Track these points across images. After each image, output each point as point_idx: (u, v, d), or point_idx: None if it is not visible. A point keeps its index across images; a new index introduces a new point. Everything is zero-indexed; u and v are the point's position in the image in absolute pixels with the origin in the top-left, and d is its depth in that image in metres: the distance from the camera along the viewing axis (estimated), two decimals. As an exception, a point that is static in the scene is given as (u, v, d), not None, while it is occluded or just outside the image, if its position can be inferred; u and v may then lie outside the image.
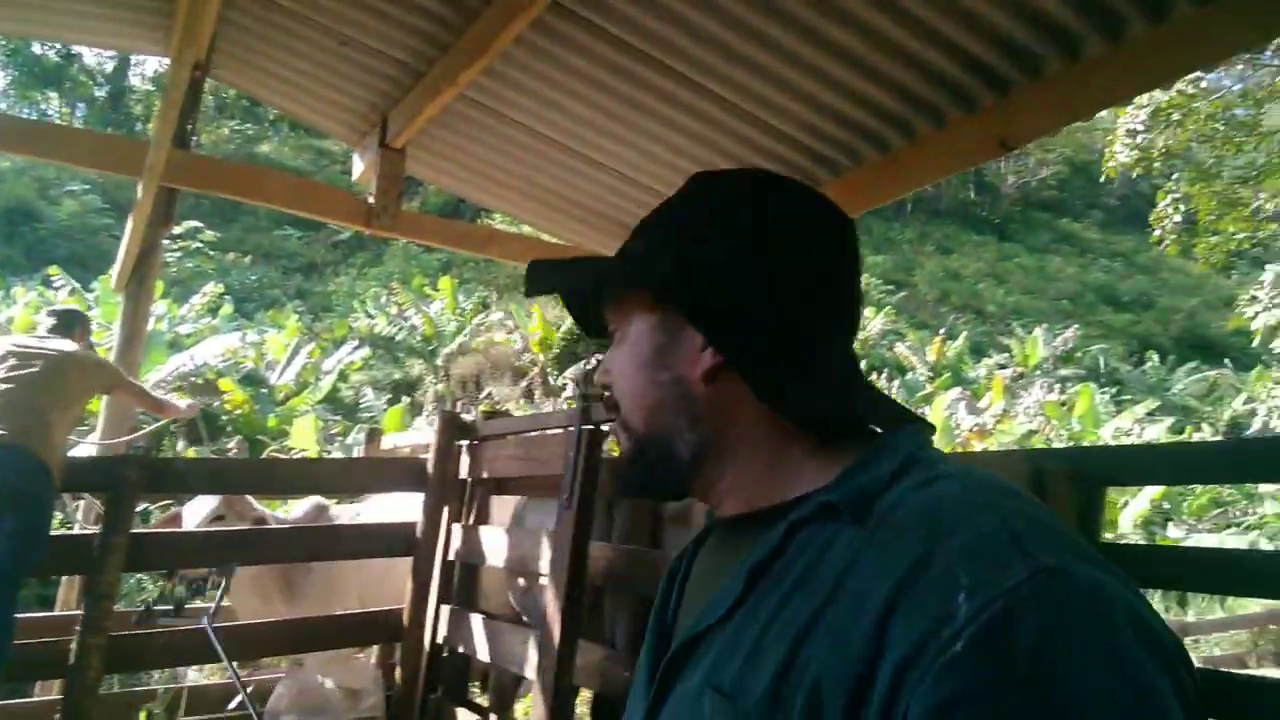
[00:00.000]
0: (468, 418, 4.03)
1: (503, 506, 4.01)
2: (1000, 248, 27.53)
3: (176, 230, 20.04)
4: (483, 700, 4.37)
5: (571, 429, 3.10)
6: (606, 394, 0.84)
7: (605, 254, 5.45)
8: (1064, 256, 27.33)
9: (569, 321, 16.84)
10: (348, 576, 4.10)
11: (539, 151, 4.56)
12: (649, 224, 0.85)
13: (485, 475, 3.78)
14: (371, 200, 4.41)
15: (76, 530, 4.14)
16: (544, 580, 3.16)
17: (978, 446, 11.86)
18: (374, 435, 4.88)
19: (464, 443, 3.90)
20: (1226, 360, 18.92)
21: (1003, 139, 3.20)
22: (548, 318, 15.99)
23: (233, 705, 4.07)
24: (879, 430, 0.77)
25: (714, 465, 0.77)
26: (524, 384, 15.49)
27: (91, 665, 3.31)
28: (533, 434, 3.70)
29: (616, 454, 0.86)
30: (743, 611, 0.69)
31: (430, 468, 3.85)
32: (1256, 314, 11.11)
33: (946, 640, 0.52)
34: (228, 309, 16.33)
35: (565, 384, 14.32)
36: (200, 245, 20.58)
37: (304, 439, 10.07)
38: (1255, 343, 11.52)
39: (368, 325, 16.97)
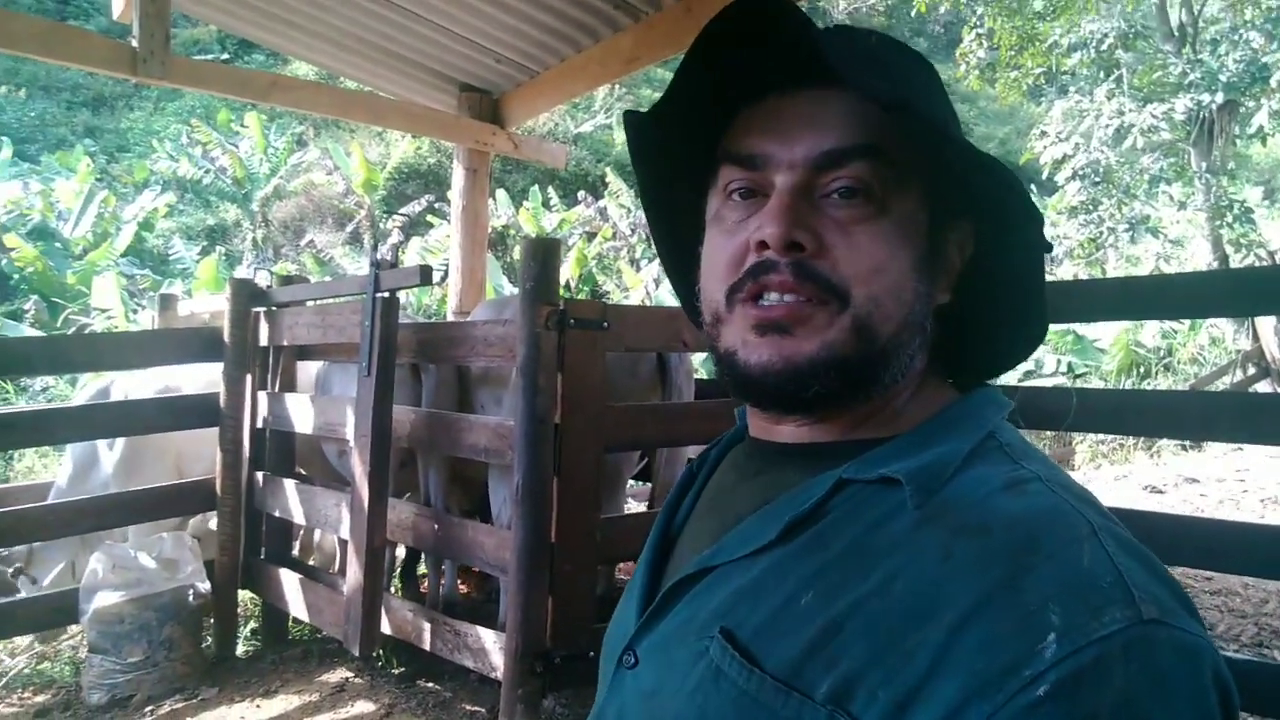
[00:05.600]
0: (262, 283, 3.88)
1: (309, 371, 3.97)
2: (829, 76, 27.84)
3: (-73, 61, 17.52)
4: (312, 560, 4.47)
5: (365, 296, 3.07)
6: (798, 261, 0.63)
7: (417, 99, 5.22)
8: (888, 85, 27.93)
9: (393, 161, 16.05)
10: (158, 448, 3.98)
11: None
12: (924, 83, 0.67)
13: (285, 342, 3.71)
14: (135, 43, 3.99)
15: None
16: (351, 446, 3.20)
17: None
18: (169, 302, 4.61)
19: (260, 309, 3.79)
20: (1033, 186, 20.24)
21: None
22: (369, 157, 15.19)
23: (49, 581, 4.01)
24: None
25: (888, 393, 0.67)
26: (350, 228, 14.86)
27: None
28: (329, 301, 3.62)
29: (774, 345, 0.63)
30: (771, 559, 0.63)
31: (226, 337, 3.73)
32: (1045, 148, 11.90)
33: (1027, 680, 0.49)
34: (6, 152, 14.61)
35: (393, 229, 13.83)
36: (-40, 78, 18.10)
37: (106, 297, 9.38)
38: (1045, 175, 12.38)
39: (170, 167, 15.61)
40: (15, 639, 3.81)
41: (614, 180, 19.17)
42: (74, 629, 3.78)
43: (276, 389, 3.81)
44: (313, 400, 3.53)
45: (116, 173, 16.57)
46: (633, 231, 17.91)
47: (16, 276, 11.39)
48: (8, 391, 8.28)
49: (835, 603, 0.57)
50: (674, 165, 0.76)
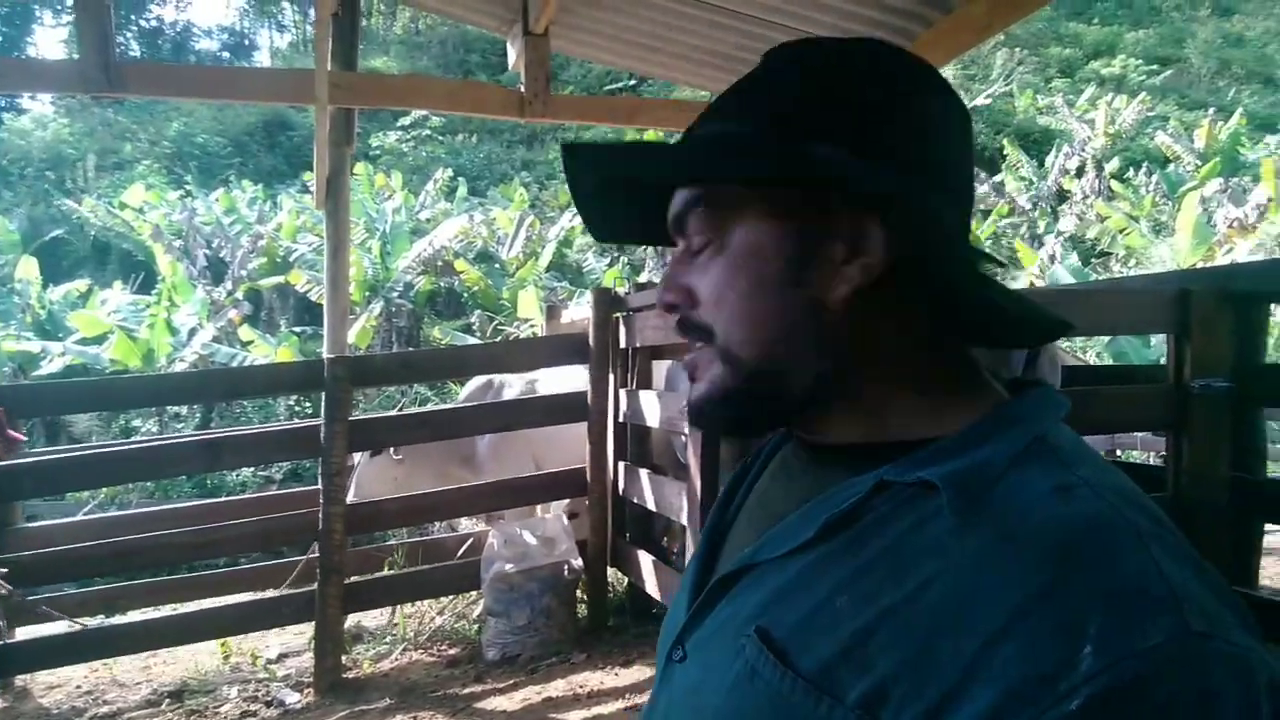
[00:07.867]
0: (622, 291, 4.25)
1: (662, 370, 4.27)
2: (1294, 0, 23.12)
3: (405, 121, 21.50)
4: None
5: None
6: (680, 317, 0.68)
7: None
8: (1378, -1, 22.51)
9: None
10: (519, 443, 4.58)
11: (675, 10, 4.52)
12: (745, 101, 0.67)
13: (639, 344, 4.02)
14: (522, 89, 4.57)
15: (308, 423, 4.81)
16: (688, 440, 3.40)
17: (1239, 244, 10.48)
18: (553, 311, 5.23)
19: (619, 315, 4.14)
20: None
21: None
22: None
23: (460, 553, 4.77)
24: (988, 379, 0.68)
25: (826, 399, 0.66)
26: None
27: (335, 529, 4.00)
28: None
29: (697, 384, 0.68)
30: (808, 559, 0.63)
31: (591, 341, 4.14)
32: None
33: (1062, 693, 0.47)
34: (463, 190, 17.44)
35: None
36: (429, 132, 21.96)
37: (529, 309, 10.82)
38: None
39: (584, 190, 17.48)
40: (442, 599, 4.57)
41: (1012, 152, 17.86)
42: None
43: (634, 387, 4.15)
44: (659, 396, 3.79)
45: (545, 199, 18.99)
46: (1034, 206, 16.54)
47: (465, 295, 13.55)
48: (447, 390, 9.98)
49: (869, 607, 0.56)
50: None
